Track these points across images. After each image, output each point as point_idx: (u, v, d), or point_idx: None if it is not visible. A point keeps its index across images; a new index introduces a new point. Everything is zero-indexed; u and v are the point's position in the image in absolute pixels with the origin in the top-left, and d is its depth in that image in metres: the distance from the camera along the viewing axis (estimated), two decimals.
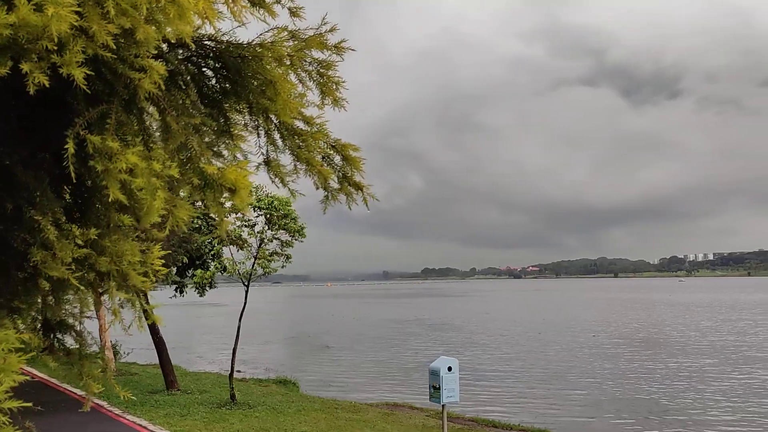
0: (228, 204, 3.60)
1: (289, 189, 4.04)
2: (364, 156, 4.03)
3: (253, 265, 17.74)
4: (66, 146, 2.48)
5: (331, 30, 3.63)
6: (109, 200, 2.47)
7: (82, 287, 2.91)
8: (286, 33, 3.51)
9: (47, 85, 2.24)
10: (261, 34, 3.49)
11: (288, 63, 3.52)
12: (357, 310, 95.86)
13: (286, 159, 3.87)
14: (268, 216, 17.41)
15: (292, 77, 3.56)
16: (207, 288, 23.41)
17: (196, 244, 21.66)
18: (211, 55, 3.34)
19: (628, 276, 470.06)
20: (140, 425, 14.25)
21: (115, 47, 2.40)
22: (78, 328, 3.53)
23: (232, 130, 3.51)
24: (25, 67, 2.26)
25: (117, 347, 26.70)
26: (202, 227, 22.75)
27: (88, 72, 2.30)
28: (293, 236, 17.83)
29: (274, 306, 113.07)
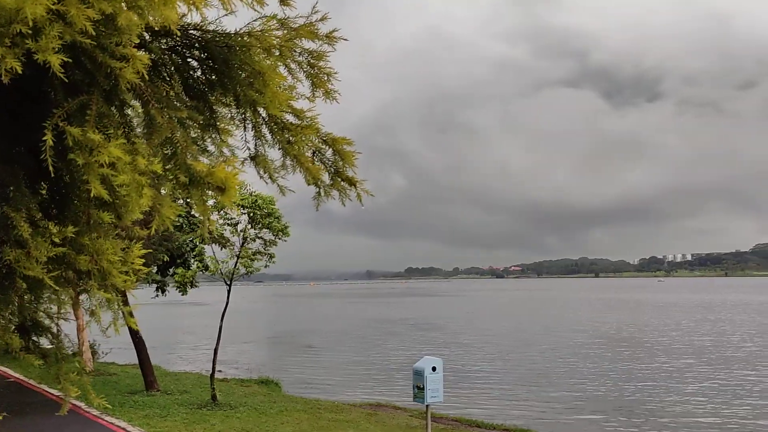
0: (211, 202, 3.43)
1: (278, 185, 3.87)
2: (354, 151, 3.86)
3: (235, 265, 17.56)
4: (44, 138, 2.31)
5: (322, 19, 3.47)
6: (90, 196, 2.31)
7: (58, 287, 2.75)
8: (275, 21, 3.33)
9: (21, 72, 2.08)
10: (249, 23, 3.30)
11: (277, 53, 3.35)
12: (340, 309, 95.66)
13: (274, 154, 3.70)
14: (252, 215, 17.24)
15: (282, 69, 3.39)
16: (188, 287, 23.16)
17: (177, 243, 21.42)
18: (197, 45, 3.16)
19: (609, 276, 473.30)
20: (119, 427, 14.03)
21: (94, 34, 2.23)
22: (54, 330, 3.37)
23: (218, 123, 3.33)
24: None
25: (95, 347, 26.31)
26: (184, 226, 22.52)
27: (65, 59, 2.14)
28: (277, 235, 17.67)
29: (256, 305, 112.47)
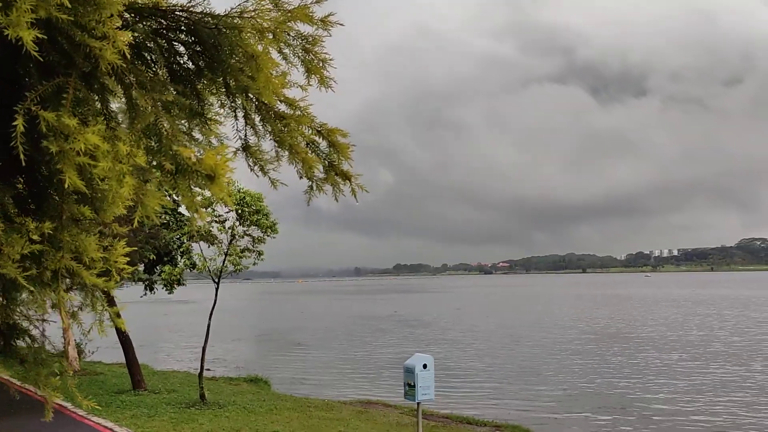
0: (199, 198, 3.23)
1: (269, 178, 3.65)
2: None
3: (223, 262, 17.38)
4: (14, 124, 2.10)
5: (318, 1, 3.25)
6: (65, 187, 2.10)
7: (32, 287, 2.54)
8: (268, 1, 3.11)
9: None
10: (241, 3, 3.09)
11: (271, 36, 3.13)
12: (329, 306, 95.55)
13: (266, 145, 3.47)
14: (239, 211, 17.05)
15: (274, 54, 3.17)
16: (176, 285, 22.95)
17: (164, 240, 21.18)
18: (183, 27, 2.95)
19: (596, 271, 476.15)
20: (105, 427, 13.86)
21: (71, 8, 2.02)
22: (33, 332, 3.17)
23: (206, 112, 3.11)
24: None
25: (81, 346, 26.02)
26: (171, 223, 22.29)
27: (39, 35, 1.94)
28: (265, 232, 17.49)
29: (244, 303, 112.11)
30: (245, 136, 3.53)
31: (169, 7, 2.87)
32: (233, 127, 3.45)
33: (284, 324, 61.11)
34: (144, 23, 2.87)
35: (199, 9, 2.99)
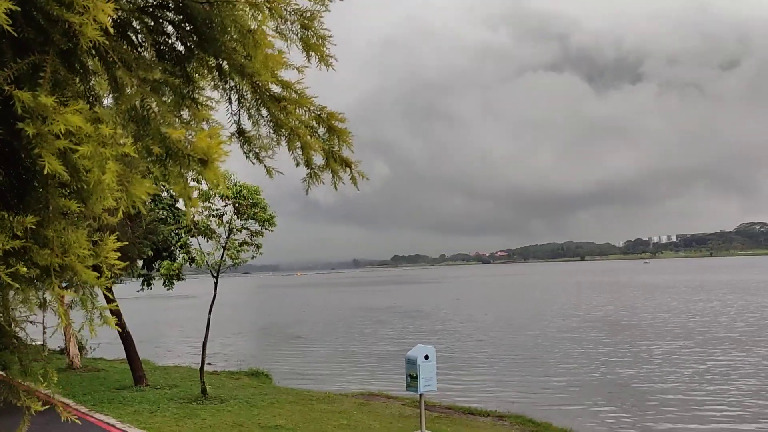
0: (195, 194, 3.05)
1: (265, 166, 3.45)
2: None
3: (222, 256, 17.26)
4: None
5: None
6: (45, 174, 1.93)
7: (16, 285, 2.37)
8: None
9: None
10: None
11: (267, 11, 2.92)
12: (328, 299, 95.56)
13: (262, 132, 3.26)
14: (237, 205, 16.91)
15: (271, 33, 2.96)
16: (175, 280, 22.82)
17: (161, 236, 21.04)
18: (171, 4, 2.76)
19: (595, 259, 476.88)
20: (108, 423, 13.81)
21: None
22: (19, 335, 3.01)
23: (196, 96, 2.91)
24: None
25: (82, 342, 25.94)
26: (168, 218, 22.15)
27: (12, 7, 1.77)
28: (263, 225, 17.35)
29: (244, 297, 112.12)
30: (239, 120, 3.33)
31: None
32: (227, 110, 3.26)
33: (284, 317, 61.06)
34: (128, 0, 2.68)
35: None
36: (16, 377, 2.85)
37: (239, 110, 3.23)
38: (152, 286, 25.96)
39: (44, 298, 2.93)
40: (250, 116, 3.23)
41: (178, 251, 21.99)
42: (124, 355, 19.99)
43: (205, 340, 17.50)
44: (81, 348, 24.98)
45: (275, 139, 3.34)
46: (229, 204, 16.94)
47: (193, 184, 2.84)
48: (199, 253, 17.84)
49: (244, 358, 31.61)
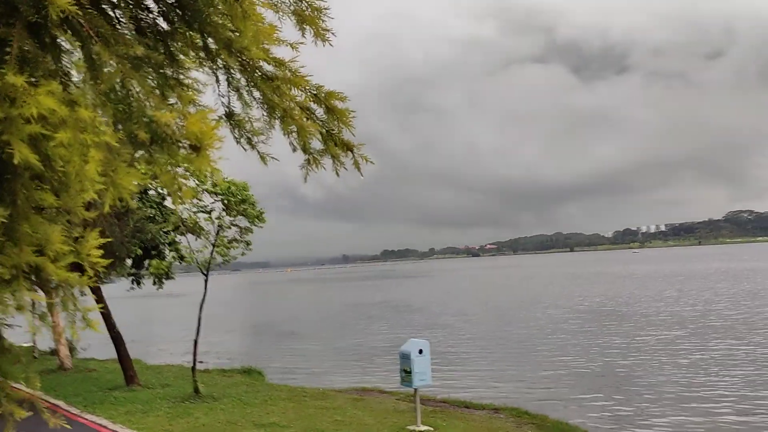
0: (191, 182, 2.89)
1: (258, 152, 3.23)
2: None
3: (211, 253, 17.13)
4: None
5: None
6: (15, 163, 1.77)
7: None
8: None
9: None
10: None
11: None
12: (319, 294, 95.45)
13: (254, 115, 3.07)
14: (226, 201, 16.78)
15: (260, 1, 2.75)
16: (164, 279, 22.67)
17: (150, 234, 20.85)
18: None
19: (584, 249, 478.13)
20: (100, 425, 13.69)
21: None
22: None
23: (181, 77, 2.74)
24: None
25: (73, 343, 25.72)
26: (156, 216, 21.95)
27: None
28: (252, 222, 17.24)
29: (234, 294, 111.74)
30: (229, 102, 3.11)
31: None
32: (214, 91, 3.05)
33: (275, 314, 60.90)
34: None
35: None
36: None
37: (228, 91, 3.07)
38: (142, 285, 25.75)
39: (31, 300, 2.81)
40: (240, 97, 3.05)
41: (166, 249, 21.84)
42: (115, 355, 19.85)
43: (196, 338, 17.37)
44: (72, 349, 24.77)
45: (269, 122, 3.15)
46: (218, 200, 16.81)
47: (181, 180, 2.66)
48: (189, 251, 17.71)
49: (236, 356, 31.47)
